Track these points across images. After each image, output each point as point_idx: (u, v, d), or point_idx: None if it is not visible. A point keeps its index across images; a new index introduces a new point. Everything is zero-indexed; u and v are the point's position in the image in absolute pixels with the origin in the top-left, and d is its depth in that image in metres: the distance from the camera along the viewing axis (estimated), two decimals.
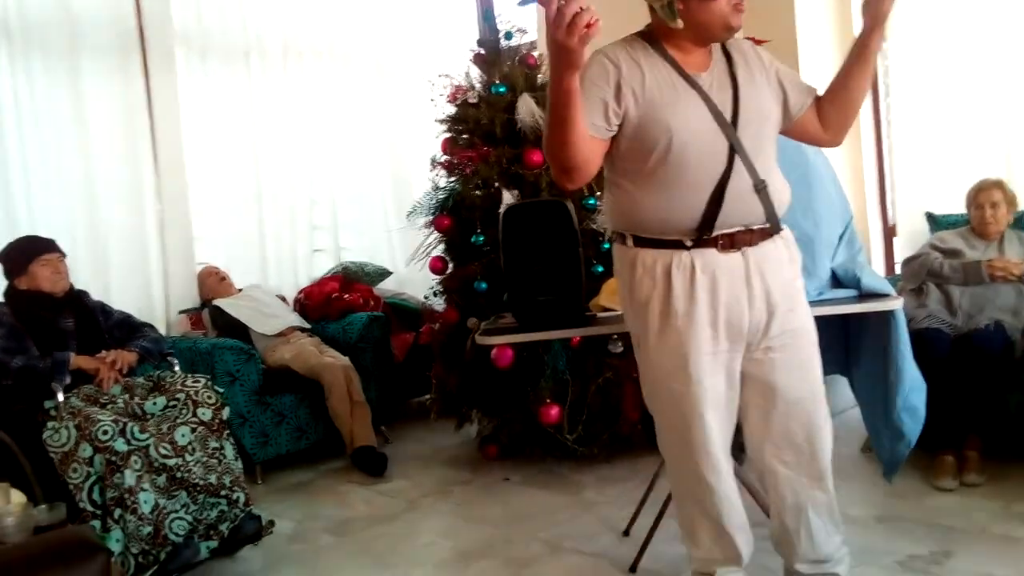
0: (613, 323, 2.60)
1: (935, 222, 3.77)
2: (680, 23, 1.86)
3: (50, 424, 2.60)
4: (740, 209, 1.89)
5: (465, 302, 3.64)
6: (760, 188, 1.90)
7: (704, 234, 1.88)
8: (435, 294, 3.93)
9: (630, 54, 1.88)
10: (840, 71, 2.00)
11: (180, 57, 4.40)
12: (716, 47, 1.95)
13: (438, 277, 3.84)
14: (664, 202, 1.88)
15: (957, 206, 3.57)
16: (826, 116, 2.03)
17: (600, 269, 3.34)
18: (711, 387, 1.94)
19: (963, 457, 3.00)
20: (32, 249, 3.07)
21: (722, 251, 1.90)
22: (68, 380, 2.79)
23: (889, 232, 4.27)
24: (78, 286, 3.19)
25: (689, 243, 1.89)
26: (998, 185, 3.37)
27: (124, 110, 4.16)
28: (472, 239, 3.55)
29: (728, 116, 1.88)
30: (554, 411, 3.32)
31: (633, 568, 2.52)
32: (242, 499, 2.77)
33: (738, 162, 1.87)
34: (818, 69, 3.98)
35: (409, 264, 4.13)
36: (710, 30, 1.88)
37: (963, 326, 3.13)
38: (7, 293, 3.06)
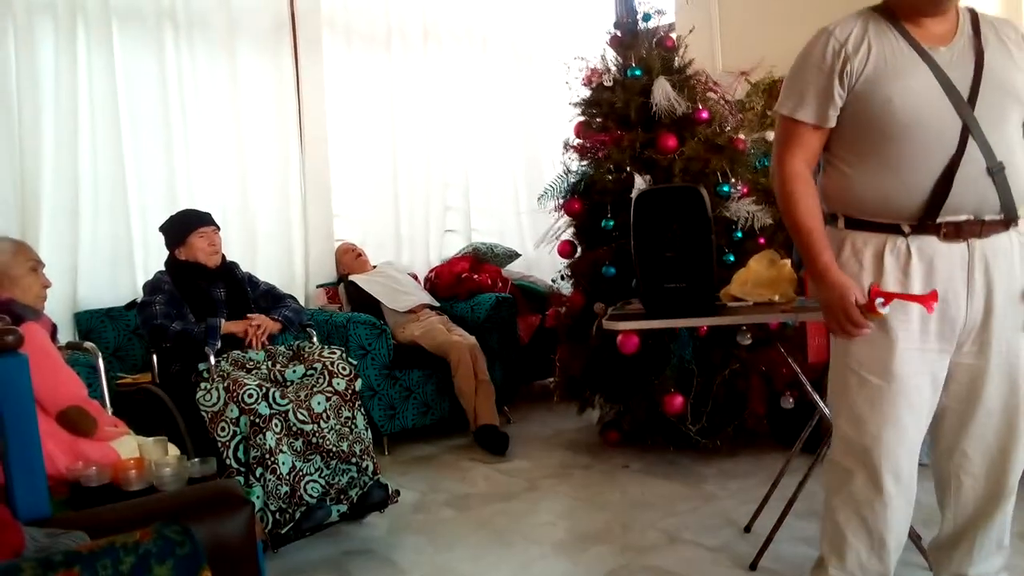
0: (743, 313, 2.54)
1: None
2: None
3: (203, 385, 2.79)
4: (971, 195, 1.74)
5: (592, 287, 3.64)
6: (996, 171, 1.73)
7: (928, 220, 1.76)
8: (562, 278, 3.95)
9: (859, 29, 1.80)
10: None
11: (327, 40, 4.58)
12: (965, 20, 1.81)
13: (566, 261, 3.86)
14: (885, 182, 1.78)
15: None
16: None
17: (732, 258, 3.28)
18: (914, 387, 1.81)
19: None
20: (191, 222, 3.29)
21: (944, 240, 1.77)
22: (219, 344, 2.98)
23: None
24: (229, 257, 3.40)
25: (908, 229, 1.78)
26: None
27: (275, 92, 4.37)
28: (602, 223, 3.54)
29: (966, 93, 1.73)
30: (678, 400, 3.29)
31: (753, 566, 2.48)
32: (371, 467, 2.90)
33: (972, 143, 1.72)
34: None
35: (538, 247, 4.17)
36: None
37: None
38: (168, 263, 3.29)
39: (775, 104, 1.94)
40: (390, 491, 2.93)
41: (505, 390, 4.23)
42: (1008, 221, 1.80)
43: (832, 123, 1.82)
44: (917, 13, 1.79)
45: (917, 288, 1.78)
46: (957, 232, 1.77)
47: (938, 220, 1.76)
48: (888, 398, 1.80)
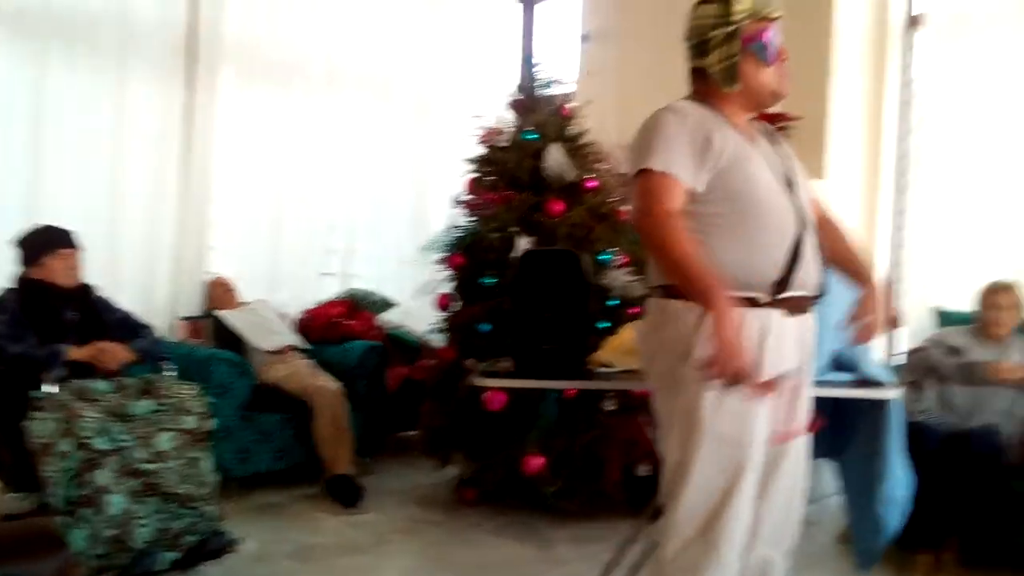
0: (612, 380, 2.59)
1: (944, 317, 3.76)
2: (738, 86, 1.90)
3: (36, 414, 2.59)
4: (809, 272, 1.88)
5: (465, 342, 3.62)
6: (820, 254, 1.91)
7: (779, 294, 1.85)
8: (437, 331, 3.92)
9: (700, 112, 1.89)
10: (833, 253, 2.02)
11: (226, 72, 4.47)
12: (752, 120, 2.00)
13: (442, 314, 3.84)
14: (748, 255, 1.84)
15: (965, 303, 3.56)
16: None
17: (604, 325, 3.34)
18: (759, 456, 1.85)
19: (939, 559, 2.94)
20: (51, 242, 3.08)
21: (787, 315, 1.87)
22: (62, 373, 2.78)
23: (892, 322, 4.24)
24: (89, 278, 3.20)
25: (763, 300, 1.84)
26: (1009, 288, 3.36)
27: (163, 113, 4.23)
28: (482, 280, 3.56)
29: (784, 183, 1.90)
30: (538, 461, 3.28)
31: None
32: (212, 513, 2.75)
33: (807, 225, 1.89)
34: (847, 148, 4.03)
35: (415, 298, 4.14)
36: (761, 95, 1.93)
37: (957, 424, 3.10)
38: (19, 279, 3.07)
39: (634, 161, 1.88)
40: (230, 539, 2.77)
41: (368, 440, 4.12)
42: (818, 298, 1.94)
43: (701, 188, 1.84)
44: (742, 109, 1.94)
45: (768, 361, 1.83)
46: (796, 307, 1.88)
47: (787, 293, 1.85)
48: (742, 470, 1.83)
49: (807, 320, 1.93)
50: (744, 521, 1.86)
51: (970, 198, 3.88)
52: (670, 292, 1.87)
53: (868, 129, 4.16)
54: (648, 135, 1.87)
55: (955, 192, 3.92)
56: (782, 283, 1.84)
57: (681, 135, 1.83)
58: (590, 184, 3.65)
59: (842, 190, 4.00)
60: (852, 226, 4.00)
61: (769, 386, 1.79)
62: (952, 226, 3.92)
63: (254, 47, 4.62)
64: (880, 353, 4.11)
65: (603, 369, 2.68)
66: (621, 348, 2.68)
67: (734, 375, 1.72)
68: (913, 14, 4.14)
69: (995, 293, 3.35)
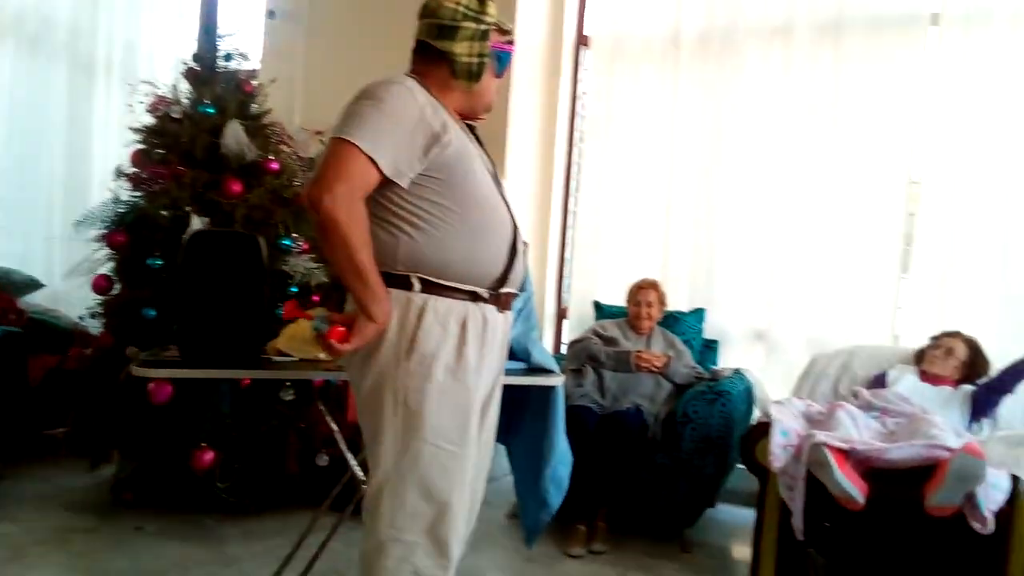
0: (288, 369, 2.50)
1: (600, 310, 4.17)
2: (475, 87, 1.86)
3: None
4: (519, 268, 1.89)
5: (127, 329, 3.29)
6: (525, 251, 1.92)
7: (498, 289, 1.84)
8: (92, 315, 3.51)
9: (426, 95, 1.78)
10: None
11: None
12: None
13: (100, 297, 3.44)
14: (472, 249, 1.79)
15: (620, 298, 3.99)
16: None
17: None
18: (475, 446, 1.83)
19: (593, 527, 3.28)
20: None
21: (499, 311, 1.86)
22: None
23: (561, 314, 4.64)
24: None
25: (486, 295, 1.82)
26: (653, 286, 3.83)
27: None
28: (148, 261, 3.25)
29: (495, 181, 1.89)
30: (208, 456, 3.07)
31: None
32: None
33: (516, 222, 1.89)
34: (523, 153, 4.30)
35: (67, 279, 3.66)
36: (482, 103, 1.91)
37: (609, 407, 3.45)
38: None
39: (343, 127, 1.69)
40: None
41: (3, 440, 3.58)
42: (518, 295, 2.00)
43: (405, 184, 1.73)
44: (457, 107, 1.88)
45: (491, 357, 1.84)
46: (506, 303, 1.91)
47: (504, 289, 1.87)
48: (462, 464, 1.80)
49: (510, 317, 1.98)
50: (467, 513, 1.85)
51: (624, 203, 4.33)
52: (399, 282, 1.77)
53: (541, 137, 4.48)
54: (368, 104, 1.70)
55: (612, 197, 4.35)
56: (503, 279, 1.86)
57: (405, 120, 1.71)
58: (271, 166, 3.50)
59: (518, 192, 4.26)
60: (528, 225, 4.34)
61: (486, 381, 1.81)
62: (611, 229, 4.35)
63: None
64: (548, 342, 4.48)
65: (280, 358, 2.59)
66: (299, 336, 2.61)
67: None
68: (584, 34, 4.53)
69: (644, 289, 3.80)
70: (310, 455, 3.13)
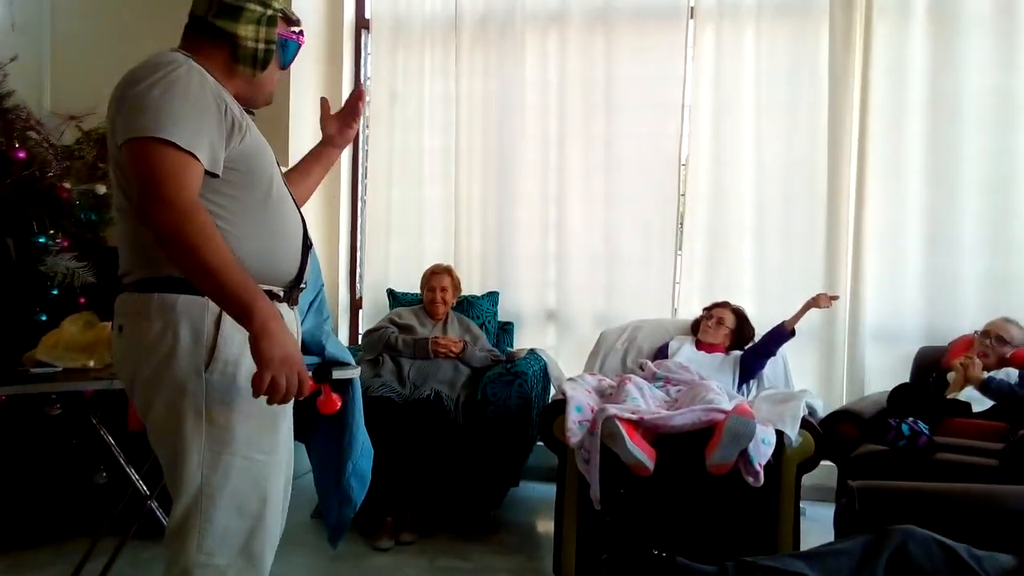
0: (51, 381, 2.26)
1: (394, 298, 4.13)
2: (258, 75, 1.72)
3: None
4: (311, 265, 1.83)
5: None
6: (310, 247, 1.81)
7: (294, 287, 1.74)
8: None
9: (210, 77, 1.62)
10: (301, 167, 2.04)
11: None
12: None
13: None
14: (270, 247, 1.68)
15: (414, 285, 3.96)
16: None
17: (44, 318, 2.90)
18: (287, 452, 1.76)
19: (401, 518, 3.26)
20: None
21: (291, 307, 1.77)
22: None
23: (356, 304, 4.54)
24: None
25: (281, 294, 1.71)
26: (447, 271, 3.85)
27: None
28: None
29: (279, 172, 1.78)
30: None
31: None
32: None
33: (302, 215, 1.80)
34: (306, 139, 4.13)
35: None
36: (263, 94, 1.78)
37: (409, 395, 3.44)
38: None
39: (148, 124, 1.51)
40: None
41: None
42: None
43: (219, 171, 1.59)
44: (237, 93, 1.72)
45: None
46: (295, 299, 1.83)
47: (296, 288, 1.79)
48: (273, 471, 1.70)
49: (295, 312, 1.89)
50: (278, 525, 1.76)
51: (413, 190, 4.30)
52: (170, 285, 1.58)
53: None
54: (160, 91, 1.53)
55: (401, 184, 4.31)
56: (299, 277, 1.77)
57: (206, 104, 1.56)
58: (19, 155, 3.13)
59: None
60: (316, 217, 4.20)
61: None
62: (399, 215, 4.31)
63: None
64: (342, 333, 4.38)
65: (39, 369, 2.34)
66: (63, 343, 2.38)
67: (290, 394, 1.54)
68: (365, 17, 4.43)
69: (438, 275, 3.81)
70: (86, 474, 2.85)
